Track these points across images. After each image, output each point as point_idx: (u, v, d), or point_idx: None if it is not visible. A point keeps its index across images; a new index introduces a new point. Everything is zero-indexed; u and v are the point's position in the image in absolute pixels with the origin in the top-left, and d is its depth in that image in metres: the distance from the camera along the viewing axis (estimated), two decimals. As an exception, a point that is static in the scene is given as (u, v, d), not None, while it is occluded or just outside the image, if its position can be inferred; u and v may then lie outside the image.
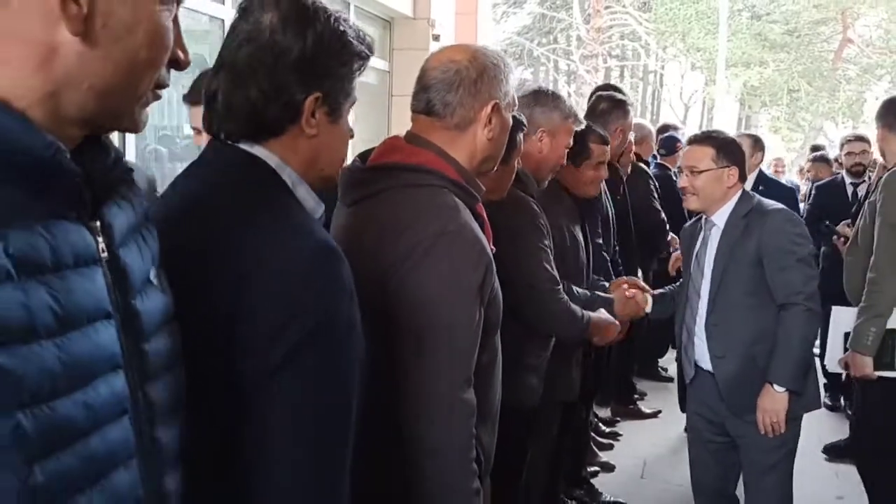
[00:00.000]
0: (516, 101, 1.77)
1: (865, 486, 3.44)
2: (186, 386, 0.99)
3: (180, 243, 1.04)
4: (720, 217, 2.82)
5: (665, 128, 6.63)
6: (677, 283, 3.22)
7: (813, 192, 6.24)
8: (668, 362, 6.41)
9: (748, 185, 4.32)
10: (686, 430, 3.19)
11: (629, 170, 4.43)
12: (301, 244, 1.11)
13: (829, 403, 5.37)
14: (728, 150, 2.82)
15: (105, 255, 0.83)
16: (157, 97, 0.91)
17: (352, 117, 1.34)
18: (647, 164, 4.92)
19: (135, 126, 0.88)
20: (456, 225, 1.54)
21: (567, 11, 27.08)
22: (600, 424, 4.94)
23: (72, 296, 0.77)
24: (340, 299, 1.12)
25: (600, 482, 4.25)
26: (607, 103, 3.78)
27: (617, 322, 2.83)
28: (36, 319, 0.73)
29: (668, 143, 5.84)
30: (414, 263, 1.49)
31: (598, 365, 3.89)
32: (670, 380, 6.03)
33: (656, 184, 4.85)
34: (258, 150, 1.20)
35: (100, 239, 0.83)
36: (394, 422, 1.49)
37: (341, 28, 1.23)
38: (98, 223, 0.83)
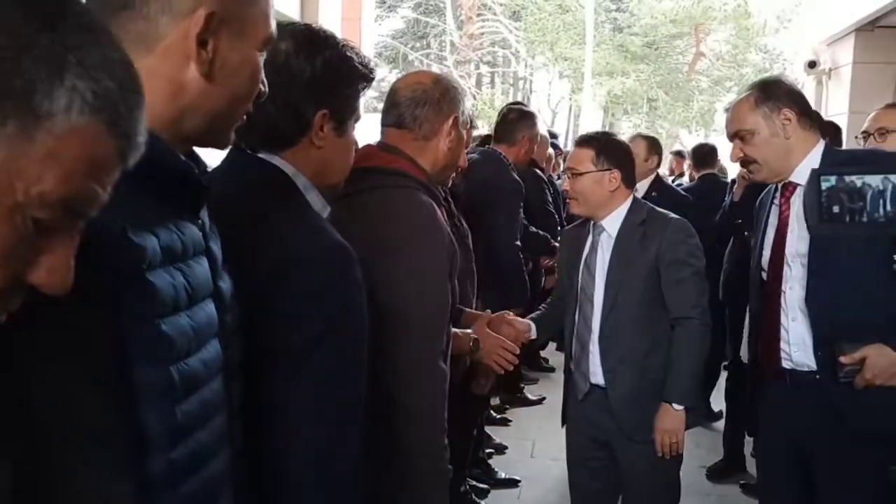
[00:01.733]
0: (469, 120, 2.08)
1: None
2: None
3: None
4: (611, 223, 2.67)
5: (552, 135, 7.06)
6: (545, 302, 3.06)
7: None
8: (548, 353, 6.89)
9: (642, 189, 4.42)
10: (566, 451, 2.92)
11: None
12: (319, 244, 1.29)
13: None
14: (609, 152, 2.66)
15: (203, 245, 1.06)
16: (243, 120, 1.12)
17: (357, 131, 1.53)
18: (542, 169, 5.23)
19: (227, 143, 1.09)
20: (432, 220, 1.83)
21: (440, 17, 27.58)
22: (492, 411, 5.29)
23: (195, 278, 1.00)
24: (353, 294, 1.31)
25: (494, 462, 4.62)
26: (515, 114, 4.13)
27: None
28: (179, 296, 0.96)
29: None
30: (398, 252, 1.76)
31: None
32: (552, 370, 6.49)
33: (551, 188, 5.18)
34: (276, 160, 1.38)
35: (200, 233, 1.05)
36: (380, 390, 1.70)
37: (347, 53, 1.43)
38: (199, 220, 1.06)
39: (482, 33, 27.08)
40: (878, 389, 2.17)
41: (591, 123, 23.58)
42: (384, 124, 1.98)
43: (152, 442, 0.93)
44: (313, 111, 1.38)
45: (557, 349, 6.68)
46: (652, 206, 2.75)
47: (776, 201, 2.43)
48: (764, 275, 2.45)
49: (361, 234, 1.69)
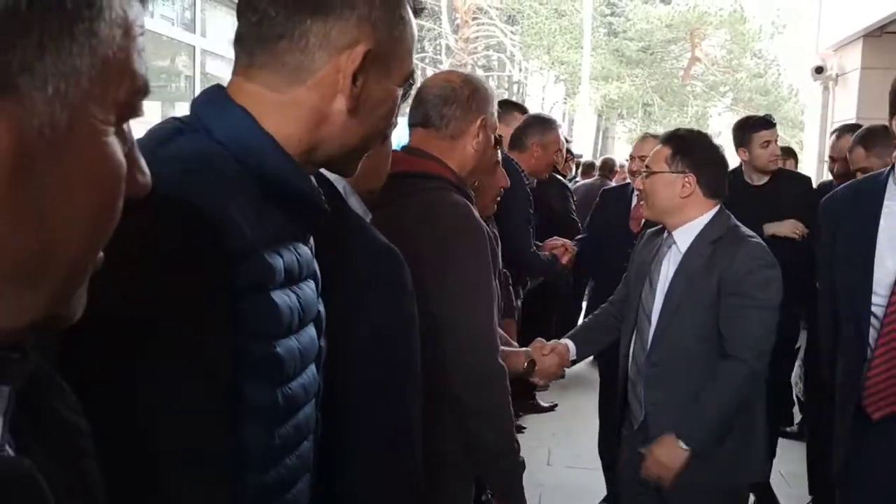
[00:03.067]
0: (497, 123, 2.00)
1: None
2: None
3: None
4: (683, 236, 2.30)
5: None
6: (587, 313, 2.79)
7: None
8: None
9: None
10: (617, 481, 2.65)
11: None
12: (368, 248, 1.27)
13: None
14: (689, 152, 2.30)
15: (313, 269, 1.03)
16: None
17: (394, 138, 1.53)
18: (565, 175, 5.19)
19: (354, 172, 1.08)
20: (473, 218, 1.80)
21: (435, 21, 27.62)
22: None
23: (306, 301, 0.97)
24: (403, 298, 1.30)
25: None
26: (527, 120, 4.08)
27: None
28: (293, 318, 0.93)
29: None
30: (443, 256, 1.72)
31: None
32: (562, 376, 6.45)
33: (573, 195, 5.12)
34: None
35: (311, 255, 1.02)
36: (448, 395, 1.74)
37: None
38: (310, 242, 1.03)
39: (477, 37, 27.14)
40: None
41: (586, 127, 23.69)
42: (411, 124, 1.93)
43: (251, 464, 0.90)
44: None
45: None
46: (737, 223, 2.33)
47: (890, 208, 2.06)
48: (878, 300, 2.07)
49: (403, 240, 1.70)
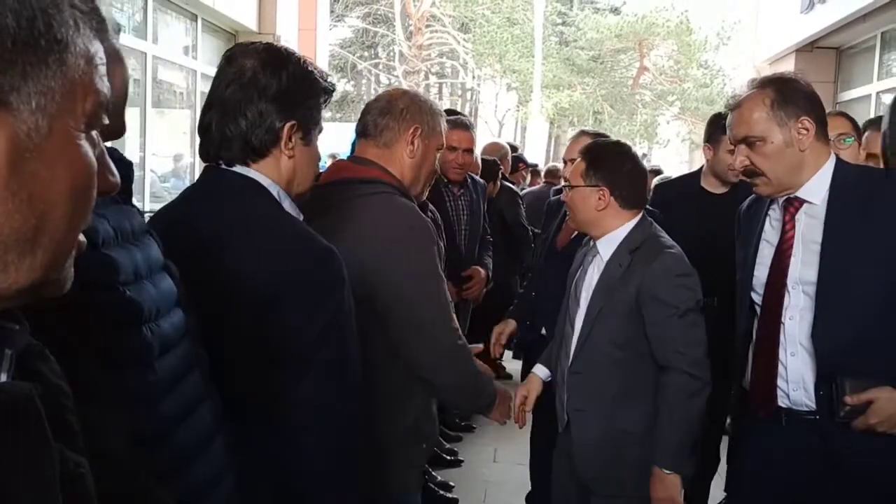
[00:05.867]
0: (444, 141, 2.17)
1: None
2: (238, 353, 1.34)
3: (195, 247, 1.37)
4: (605, 246, 2.34)
5: (513, 148, 7.22)
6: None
7: None
8: (505, 361, 7.01)
9: None
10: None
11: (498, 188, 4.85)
12: (308, 249, 1.43)
13: None
14: (601, 165, 2.32)
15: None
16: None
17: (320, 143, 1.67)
18: (514, 183, 5.32)
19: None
20: (419, 219, 1.97)
21: (388, 27, 27.68)
22: (456, 418, 5.39)
23: (149, 253, 1.14)
24: (343, 290, 1.45)
25: (459, 471, 4.72)
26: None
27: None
28: (139, 267, 1.10)
29: (512, 164, 6.38)
30: (395, 253, 1.89)
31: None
32: (509, 377, 6.61)
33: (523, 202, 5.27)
34: (251, 173, 1.50)
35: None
36: (419, 378, 1.97)
37: (309, 69, 1.55)
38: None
39: (431, 44, 27.27)
40: (884, 434, 1.92)
41: (539, 135, 23.92)
42: (355, 134, 2.11)
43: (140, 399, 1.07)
44: (282, 123, 1.49)
45: (514, 357, 6.79)
46: (656, 233, 2.35)
47: (773, 215, 2.14)
48: (756, 297, 2.15)
49: (351, 241, 1.84)
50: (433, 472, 4.39)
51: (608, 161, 2.34)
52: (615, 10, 28.87)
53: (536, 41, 20.75)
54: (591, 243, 2.42)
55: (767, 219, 2.15)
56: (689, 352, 2.18)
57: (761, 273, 2.12)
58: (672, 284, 2.20)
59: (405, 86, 25.99)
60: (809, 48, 8.41)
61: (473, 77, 29.69)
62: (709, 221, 3.00)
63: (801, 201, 2.04)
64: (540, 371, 2.57)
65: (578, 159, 2.42)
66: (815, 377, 2.00)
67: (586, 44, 26.37)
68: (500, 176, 4.88)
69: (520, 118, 28.71)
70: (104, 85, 0.64)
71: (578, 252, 2.57)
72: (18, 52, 0.56)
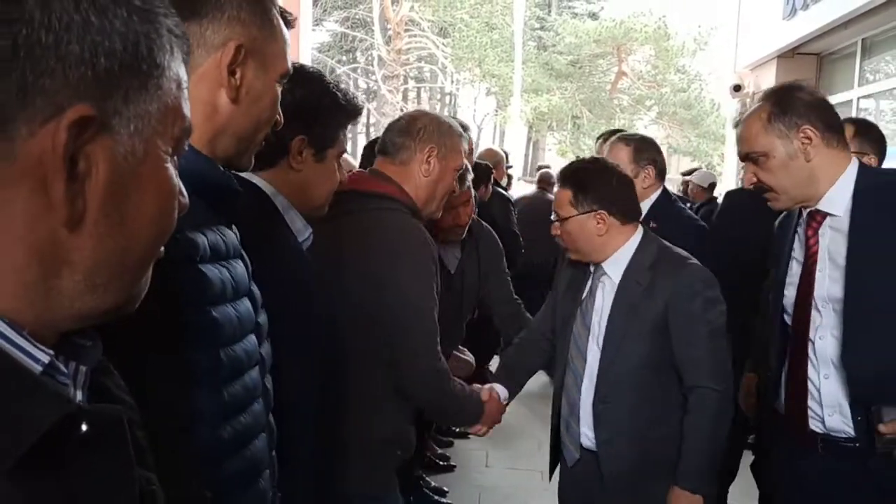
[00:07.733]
0: (463, 163, 2.19)
1: None
2: None
3: None
4: (613, 267, 2.22)
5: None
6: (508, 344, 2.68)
7: None
8: (493, 366, 7.02)
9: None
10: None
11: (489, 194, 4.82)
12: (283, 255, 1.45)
13: None
14: (589, 188, 2.21)
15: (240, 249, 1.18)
16: (261, 145, 1.25)
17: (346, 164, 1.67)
18: (506, 189, 5.34)
19: (248, 165, 1.23)
20: (421, 240, 1.99)
21: (367, 31, 27.68)
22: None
23: (236, 275, 1.12)
24: (310, 296, 1.48)
25: (451, 476, 4.71)
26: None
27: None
28: (225, 288, 1.08)
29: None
30: (394, 269, 1.92)
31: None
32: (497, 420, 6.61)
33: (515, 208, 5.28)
34: (256, 179, 1.50)
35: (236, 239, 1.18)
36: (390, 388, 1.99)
37: (332, 90, 1.56)
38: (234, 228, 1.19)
39: (409, 49, 27.30)
40: None
41: (517, 139, 24.04)
42: (377, 152, 2.16)
43: (207, 420, 1.05)
44: (290, 136, 1.50)
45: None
46: (665, 244, 2.25)
47: (801, 230, 2.03)
48: (788, 319, 2.05)
49: (356, 253, 1.94)
50: (427, 478, 4.37)
51: (594, 181, 2.22)
52: (593, 16, 29.13)
53: (516, 45, 20.89)
54: (592, 268, 2.29)
55: (796, 235, 2.05)
56: (720, 368, 2.11)
57: (791, 293, 2.03)
58: (703, 298, 2.12)
59: (384, 90, 26.05)
60: (791, 54, 8.51)
61: (452, 81, 29.76)
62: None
63: (824, 214, 1.94)
64: (501, 391, 2.38)
65: (560, 189, 2.30)
66: (850, 401, 1.89)
67: (565, 48, 26.59)
68: (491, 181, 4.87)
69: (498, 122, 28.81)
70: (188, 109, 0.64)
71: (560, 274, 2.49)
72: (123, 75, 0.56)
